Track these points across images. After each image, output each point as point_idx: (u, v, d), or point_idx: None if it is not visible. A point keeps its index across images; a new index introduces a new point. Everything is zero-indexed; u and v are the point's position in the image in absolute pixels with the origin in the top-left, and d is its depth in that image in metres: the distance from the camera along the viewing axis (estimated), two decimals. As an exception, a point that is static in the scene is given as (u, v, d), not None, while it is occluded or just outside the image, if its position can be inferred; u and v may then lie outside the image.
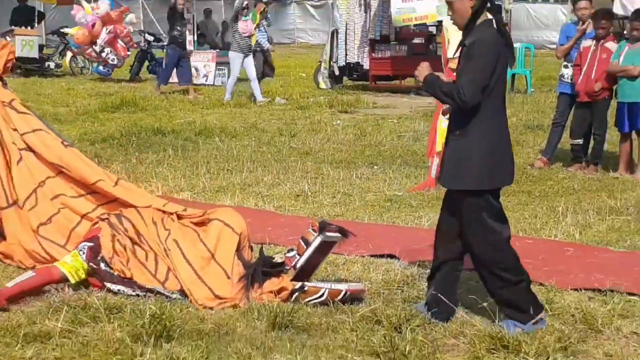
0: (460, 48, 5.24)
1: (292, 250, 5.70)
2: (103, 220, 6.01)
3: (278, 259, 5.78)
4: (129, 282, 5.70)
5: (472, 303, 5.61)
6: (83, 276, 5.78)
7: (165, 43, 23.81)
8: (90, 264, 5.76)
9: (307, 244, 5.57)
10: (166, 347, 4.76)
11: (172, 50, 18.77)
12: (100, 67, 22.13)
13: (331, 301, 5.45)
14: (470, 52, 5.06)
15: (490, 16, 5.18)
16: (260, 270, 5.63)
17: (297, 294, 5.50)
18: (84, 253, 5.81)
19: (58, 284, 5.73)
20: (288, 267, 5.61)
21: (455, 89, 5.02)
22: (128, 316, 5.19)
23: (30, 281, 5.68)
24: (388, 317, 5.20)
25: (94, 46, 21.63)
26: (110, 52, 21.79)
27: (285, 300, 5.49)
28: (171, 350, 4.69)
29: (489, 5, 5.17)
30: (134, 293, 5.68)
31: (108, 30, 21.62)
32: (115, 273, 5.71)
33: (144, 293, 5.67)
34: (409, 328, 5.06)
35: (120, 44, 21.99)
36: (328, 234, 5.56)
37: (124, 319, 5.15)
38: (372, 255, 6.65)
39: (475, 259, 5.29)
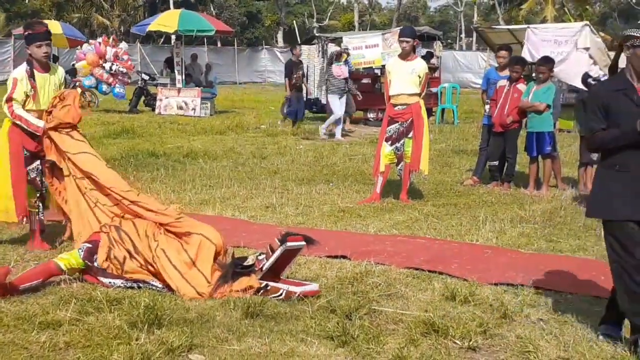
0: None
1: (262, 254, 5.66)
2: (105, 232, 5.90)
3: (250, 261, 5.71)
4: (119, 276, 5.67)
5: (410, 296, 5.63)
6: (75, 266, 5.71)
7: (159, 82, 23.80)
8: (86, 261, 5.72)
9: (273, 251, 5.57)
10: (158, 332, 4.71)
11: (296, 94, 18.41)
12: (117, 89, 21.93)
13: (288, 299, 5.43)
14: None
15: None
16: (232, 271, 5.60)
17: (262, 291, 5.50)
18: (82, 251, 5.77)
19: (64, 277, 5.69)
20: (256, 269, 5.60)
21: None
22: (126, 307, 5.13)
23: (31, 272, 5.67)
24: (341, 307, 5.19)
25: (104, 64, 21.49)
26: (118, 66, 21.67)
27: (252, 295, 5.47)
28: (162, 335, 4.64)
29: None
30: (123, 285, 5.64)
31: (111, 45, 21.75)
32: (107, 270, 5.69)
33: (134, 284, 5.63)
34: (357, 316, 5.06)
35: (121, 59, 21.92)
36: (289, 243, 5.55)
37: (123, 310, 5.10)
38: (327, 256, 6.63)
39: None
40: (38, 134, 6.61)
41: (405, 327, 4.94)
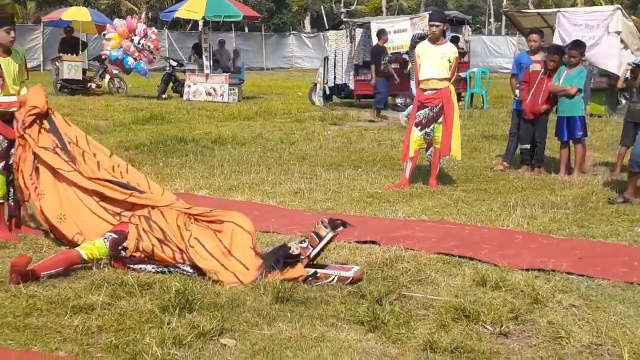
0: None
1: (304, 241, 5.57)
2: (134, 224, 5.87)
3: (295, 250, 5.57)
4: (149, 261, 5.70)
5: (440, 281, 5.62)
6: (97, 257, 5.72)
7: (186, 68, 23.84)
8: (112, 252, 5.74)
9: (320, 237, 5.50)
10: (189, 317, 4.75)
11: (382, 81, 18.17)
12: (142, 64, 21.93)
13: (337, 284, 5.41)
14: None
15: None
16: (283, 261, 5.51)
17: (310, 279, 5.46)
18: (107, 241, 5.77)
19: (87, 264, 5.72)
20: (303, 257, 5.53)
21: None
22: (157, 291, 5.17)
23: (52, 259, 5.67)
24: (371, 292, 5.19)
25: (133, 38, 21.59)
26: (146, 42, 21.77)
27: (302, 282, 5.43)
28: (193, 319, 4.67)
29: None
30: (154, 269, 5.66)
31: (141, 22, 22.07)
32: (136, 256, 5.72)
33: (165, 269, 5.65)
34: (388, 301, 5.05)
35: (150, 38, 22.05)
36: (337, 229, 5.53)
37: (154, 294, 5.14)
38: (357, 242, 6.63)
39: None
40: (14, 108, 6.61)
41: (435, 312, 4.93)
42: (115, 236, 5.81)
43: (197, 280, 5.47)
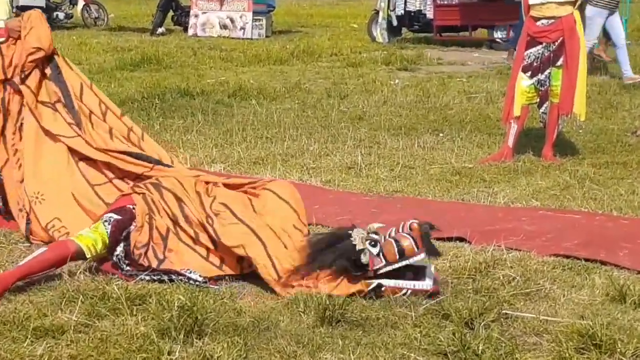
0: None
1: (375, 244, 5.44)
2: (140, 193, 5.89)
3: (364, 258, 5.37)
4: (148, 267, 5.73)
5: (558, 295, 5.60)
6: (101, 251, 5.72)
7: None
8: (110, 248, 5.72)
9: (402, 255, 5.40)
10: (198, 344, 4.77)
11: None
12: None
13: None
14: None
15: None
16: (345, 268, 5.43)
17: (370, 294, 5.43)
18: (109, 225, 5.74)
19: (70, 264, 5.73)
20: (369, 270, 5.42)
21: None
22: (153, 308, 5.19)
23: (41, 257, 5.63)
24: (457, 311, 5.17)
25: None
26: None
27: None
28: (204, 347, 4.70)
29: None
30: (149, 277, 5.65)
31: None
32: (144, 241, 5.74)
33: (165, 277, 5.66)
34: (482, 324, 5.04)
35: None
36: (415, 258, 5.42)
37: (149, 312, 5.17)
38: (437, 239, 6.55)
39: None
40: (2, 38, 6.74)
41: (551, 339, 4.91)
42: (119, 217, 5.77)
43: (210, 293, 5.50)
